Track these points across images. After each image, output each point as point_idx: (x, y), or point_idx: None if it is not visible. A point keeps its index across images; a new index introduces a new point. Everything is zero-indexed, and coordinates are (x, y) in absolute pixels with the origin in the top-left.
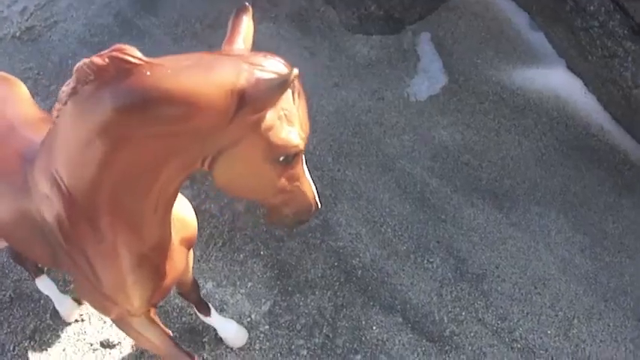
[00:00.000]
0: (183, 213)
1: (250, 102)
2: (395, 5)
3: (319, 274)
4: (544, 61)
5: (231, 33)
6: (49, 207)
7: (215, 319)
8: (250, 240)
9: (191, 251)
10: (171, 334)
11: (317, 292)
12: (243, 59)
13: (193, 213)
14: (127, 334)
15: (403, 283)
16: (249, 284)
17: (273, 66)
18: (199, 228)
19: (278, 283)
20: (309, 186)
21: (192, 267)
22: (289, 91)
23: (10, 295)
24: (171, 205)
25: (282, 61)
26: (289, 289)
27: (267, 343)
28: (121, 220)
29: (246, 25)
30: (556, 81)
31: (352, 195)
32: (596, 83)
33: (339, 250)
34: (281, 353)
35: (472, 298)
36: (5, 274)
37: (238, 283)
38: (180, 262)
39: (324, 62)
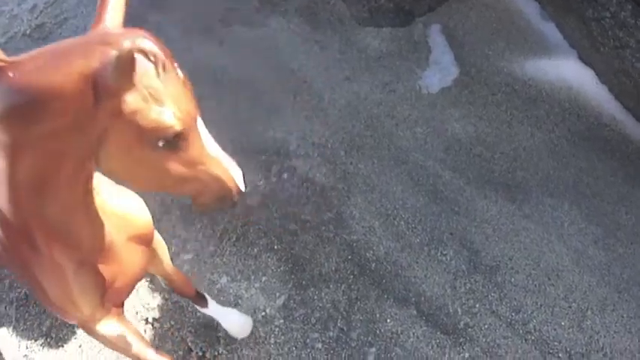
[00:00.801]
0: (126, 210)
1: (102, 86)
2: None
3: (333, 268)
4: (556, 52)
5: (98, 12)
6: None
7: (214, 310)
8: (264, 234)
9: (160, 245)
10: (141, 333)
11: (331, 286)
12: (100, 40)
13: (142, 207)
14: (97, 340)
15: (417, 275)
16: (264, 278)
17: (130, 42)
18: (213, 223)
19: (292, 277)
20: (221, 167)
21: (181, 268)
22: (151, 67)
23: (25, 293)
24: (91, 205)
25: (145, 34)
26: (303, 282)
27: (282, 337)
28: (48, 231)
29: (113, 2)
30: (568, 72)
31: (365, 188)
32: (608, 74)
33: (353, 243)
34: (296, 347)
35: (486, 290)
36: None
37: (252, 277)
38: (134, 260)
39: (335, 56)
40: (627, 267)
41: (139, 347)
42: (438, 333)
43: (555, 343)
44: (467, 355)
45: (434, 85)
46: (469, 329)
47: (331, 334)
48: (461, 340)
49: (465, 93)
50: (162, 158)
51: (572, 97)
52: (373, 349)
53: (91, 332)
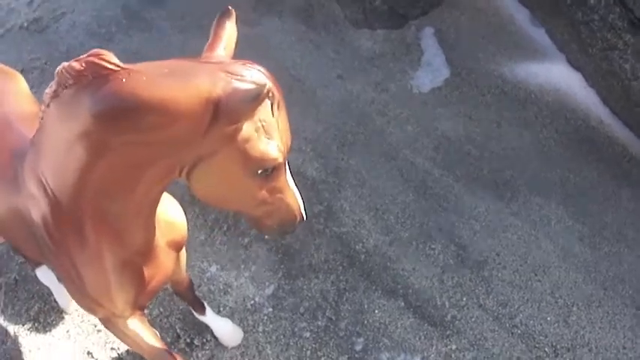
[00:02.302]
0: (171, 215)
1: (226, 113)
2: (399, 1)
3: (323, 259)
4: (545, 56)
5: (213, 39)
6: (36, 207)
7: (210, 318)
8: None
9: (183, 252)
10: (158, 335)
11: (320, 276)
12: (222, 67)
13: (183, 215)
14: (114, 334)
15: (405, 268)
16: (253, 268)
17: (251, 76)
18: (204, 213)
19: (282, 267)
20: (293, 197)
21: (192, 256)
22: (268, 102)
23: (15, 278)
24: (154, 211)
25: (263, 70)
26: (293, 272)
27: (271, 326)
28: (103, 224)
29: (229, 31)
30: (556, 75)
31: (356, 183)
32: (596, 76)
33: (343, 235)
34: (284, 335)
35: (473, 285)
36: (10, 257)
37: (242, 266)
38: (168, 264)
39: (328, 55)
40: (613, 264)
41: (154, 350)
42: (426, 325)
43: (541, 338)
44: (454, 346)
45: (425, 85)
46: (456, 322)
47: (319, 323)
48: (448, 332)
49: (456, 94)
50: (255, 185)
51: (560, 99)
52: (361, 339)
53: (113, 328)
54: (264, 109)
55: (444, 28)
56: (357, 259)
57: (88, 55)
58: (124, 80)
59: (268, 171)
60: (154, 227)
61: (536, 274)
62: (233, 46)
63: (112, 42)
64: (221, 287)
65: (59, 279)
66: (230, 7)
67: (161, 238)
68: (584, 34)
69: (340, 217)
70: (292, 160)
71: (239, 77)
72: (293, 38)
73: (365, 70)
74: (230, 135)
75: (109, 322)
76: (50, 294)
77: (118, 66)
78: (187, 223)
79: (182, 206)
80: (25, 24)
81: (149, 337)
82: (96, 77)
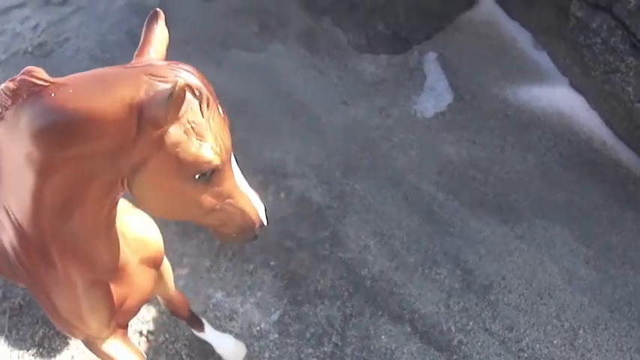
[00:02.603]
0: (141, 233)
1: (148, 117)
2: (402, 25)
3: (328, 285)
4: (548, 79)
5: (142, 42)
6: (5, 236)
7: (210, 335)
8: (260, 251)
9: (167, 269)
10: (144, 356)
11: (326, 302)
12: (146, 71)
13: (156, 231)
14: (97, 355)
15: (411, 293)
16: (259, 294)
17: (175, 76)
18: (210, 239)
19: (287, 292)
20: (246, 202)
21: (177, 282)
22: (195, 102)
23: (19, 303)
24: (112, 227)
25: (190, 69)
26: (299, 298)
27: (277, 352)
28: (66, 249)
29: (158, 33)
30: (559, 98)
31: (361, 208)
32: (599, 99)
33: (348, 261)
34: None
35: (479, 309)
36: (14, 283)
37: (248, 292)
38: (143, 282)
39: (332, 80)
40: (618, 287)
41: None
42: (432, 350)
43: None
44: None
45: (428, 110)
46: (463, 346)
47: (326, 349)
48: (455, 357)
49: (459, 118)
50: (196, 190)
51: (564, 122)
52: None
53: (94, 349)
54: (192, 110)
55: (446, 52)
56: (362, 285)
57: (22, 73)
58: (52, 95)
59: (207, 175)
60: (118, 245)
61: (541, 298)
62: (164, 48)
63: None
64: (227, 313)
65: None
66: (158, 9)
67: (132, 256)
68: (587, 58)
69: (346, 243)
70: (297, 186)
71: (162, 79)
72: (297, 64)
73: (368, 95)
74: (158, 140)
75: (90, 344)
76: None
77: (47, 81)
78: (193, 249)
79: (188, 233)
80: (30, 49)
81: (130, 356)
82: (29, 95)
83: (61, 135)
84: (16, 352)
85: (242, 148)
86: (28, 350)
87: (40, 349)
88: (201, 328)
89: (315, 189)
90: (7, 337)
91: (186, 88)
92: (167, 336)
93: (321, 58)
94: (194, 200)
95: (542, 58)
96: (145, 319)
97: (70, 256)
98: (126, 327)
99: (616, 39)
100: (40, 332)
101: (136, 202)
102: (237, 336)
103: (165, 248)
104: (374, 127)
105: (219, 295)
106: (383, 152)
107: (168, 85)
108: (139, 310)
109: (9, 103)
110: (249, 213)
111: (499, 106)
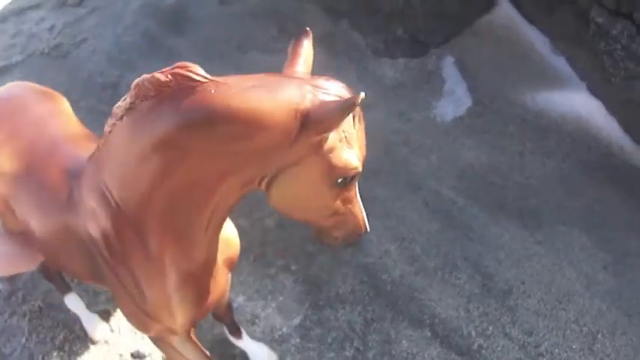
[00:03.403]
0: (228, 233)
1: (314, 123)
2: (420, 29)
3: (349, 289)
4: (566, 85)
5: (293, 56)
6: (95, 222)
7: (246, 343)
8: (281, 255)
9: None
10: (208, 354)
11: (347, 307)
12: (307, 81)
13: (236, 234)
14: (164, 352)
15: (431, 298)
16: (280, 298)
17: (335, 89)
18: None
19: (309, 297)
20: (359, 209)
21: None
22: (351, 115)
23: (39, 306)
24: (222, 225)
25: (344, 85)
26: (320, 303)
27: (299, 356)
28: (170, 237)
29: (307, 49)
30: (578, 103)
31: (382, 213)
32: (617, 105)
33: (369, 265)
34: None
35: (499, 314)
36: (35, 285)
37: (269, 297)
38: (223, 282)
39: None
40: (636, 292)
41: None
42: (453, 354)
43: None
44: None
45: (448, 114)
46: (483, 351)
47: (347, 353)
48: None
49: (478, 123)
50: (332, 193)
51: (582, 128)
52: None
53: (164, 345)
54: (347, 121)
55: (465, 56)
56: (383, 290)
57: (174, 67)
58: (212, 91)
59: (347, 180)
60: (217, 243)
61: (560, 303)
62: (311, 63)
63: (132, 68)
64: (248, 318)
65: (113, 295)
66: (308, 28)
67: (219, 255)
68: (607, 64)
69: (366, 248)
70: None
71: (325, 90)
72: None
73: (388, 99)
74: (316, 145)
75: (162, 340)
76: (76, 322)
77: (206, 77)
78: None
79: None
80: (47, 50)
81: (201, 356)
82: (181, 89)
83: (223, 130)
84: (36, 356)
85: None
86: (48, 354)
87: (61, 352)
88: (239, 335)
89: None
90: (27, 340)
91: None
92: None
93: (340, 61)
94: (327, 203)
95: (561, 64)
96: None
97: (171, 245)
98: (196, 326)
99: (636, 45)
100: (61, 335)
101: (270, 199)
102: (259, 340)
103: None
104: (393, 132)
105: (240, 299)
106: (403, 157)
107: (331, 97)
108: (213, 310)
109: (151, 94)
110: (360, 219)
111: (518, 111)
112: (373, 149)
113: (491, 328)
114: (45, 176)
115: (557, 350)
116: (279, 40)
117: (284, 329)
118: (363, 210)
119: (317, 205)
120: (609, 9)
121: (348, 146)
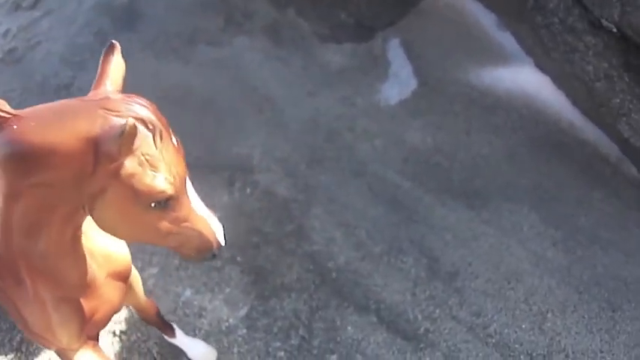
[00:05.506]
0: (108, 248)
1: (104, 151)
2: (365, 13)
3: (295, 278)
4: (512, 60)
5: (99, 75)
6: None
7: (181, 340)
8: (227, 247)
9: (137, 280)
10: (111, 349)
11: (293, 296)
12: (102, 104)
13: (123, 246)
14: None
15: (377, 283)
16: (227, 290)
17: (129, 110)
18: None
19: (255, 288)
20: (204, 224)
21: (147, 281)
22: (149, 135)
23: None
24: (79, 248)
25: (144, 102)
26: (266, 293)
27: (245, 347)
28: (34, 267)
29: (115, 65)
30: (525, 79)
31: (326, 200)
32: (562, 79)
33: (314, 253)
34: (259, 356)
35: (446, 296)
36: None
37: (216, 289)
38: (112, 295)
39: (297, 71)
40: (587, 268)
41: None
42: (399, 339)
43: (516, 346)
44: (428, 359)
45: (393, 97)
46: (429, 334)
47: (293, 342)
48: (421, 345)
49: (424, 104)
50: (153, 217)
51: (529, 103)
52: (334, 356)
53: (66, 358)
54: (145, 143)
55: (410, 38)
56: (328, 277)
57: None
58: (14, 127)
59: (162, 204)
60: (85, 263)
61: (509, 282)
62: (120, 80)
63: (86, 70)
64: (196, 311)
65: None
66: (114, 42)
67: (100, 271)
68: (546, 38)
69: (311, 236)
70: (262, 181)
71: (116, 113)
72: (262, 57)
73: (333, 85)
74: (114, 172)
75: (62, 355)
76: None
77: (9, 113)
78: (162, 249)
79: None
80: (1, 55)
81: None
82: None
83: (22, 164)
84: None
85: (210, 145)
86: (6, 355)
87: (19, 353)
88: (172, 333)
89: (280, 183)
90: None
91: (140, 123)
92: (139, 335)
93: (285, 49)
94: (151, 226)
95: (507, 39)
96: (117, 319)
97: (38, 275)
98: (97, 338)
99: (573, 18)
100: (18, 337)
101: (99, 227)
102: (206, 333)
103: (135, 249)
104: (338, 117)
105: (187, 292)
106: (347, 143)
107: (122, 120)
108: (109, 321)
109: None
110: (207, 235)
111: (464, 89)
112: (317, 136)
113: (438, 311)
114: None
115: (506, 330)
116: (226, 31)
117: (230, 320)
118: (214, 223)
119: (142, 229)
120: None
121: (152, 169)
